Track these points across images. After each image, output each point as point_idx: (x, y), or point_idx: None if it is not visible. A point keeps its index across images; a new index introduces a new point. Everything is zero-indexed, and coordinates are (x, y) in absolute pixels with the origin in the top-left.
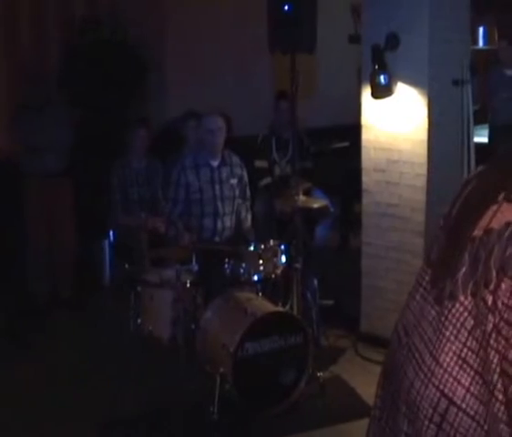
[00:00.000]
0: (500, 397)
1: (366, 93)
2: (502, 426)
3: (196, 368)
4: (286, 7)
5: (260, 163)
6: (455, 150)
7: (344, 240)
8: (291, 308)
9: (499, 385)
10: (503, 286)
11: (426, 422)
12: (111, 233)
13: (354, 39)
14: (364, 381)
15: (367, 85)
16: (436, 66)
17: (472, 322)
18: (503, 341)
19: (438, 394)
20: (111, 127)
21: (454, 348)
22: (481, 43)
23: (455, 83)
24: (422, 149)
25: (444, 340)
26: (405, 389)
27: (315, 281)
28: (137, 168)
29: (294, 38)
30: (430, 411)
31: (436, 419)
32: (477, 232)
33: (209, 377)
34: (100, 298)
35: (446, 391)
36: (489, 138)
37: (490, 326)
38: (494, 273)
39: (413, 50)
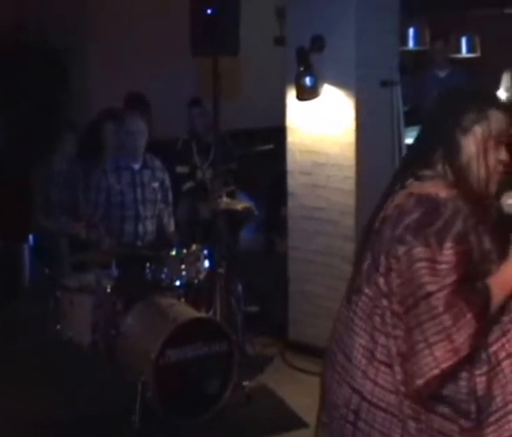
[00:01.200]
0: (402, 389)
1: (291, 95)
2: (409, 421)
3: (117, 375)
4: (209, 11)
5: (181, 168)
6: (385, 152)
7: (270, 244)
8: (215, 314)
9: (400, 376)
10: (393, 267)
11: (342, 422)
12: (31, 237)
13: (280, 41)
14: (293, 391)
15: (292, 87)
16: (364, 67)
17: (375, 311)
18: (398, 326)
19: (350, 391)
20: (34, 130)
21: (362, 341)
22: (411, 44)
23: (384, 84)
24: (350, 152)
25: (353, 336)
26: (326, 393)
27: (240, 287)
28: (58, 171)
29: (217, 41)
30: (344, 410)
31: (351, 418)
32: (376, 224)
33: (130, 384)
34: (20, 302)
35: (357, 386)
36: None
37: (386, 311)
38: (382, 256)
39: (339, 51)
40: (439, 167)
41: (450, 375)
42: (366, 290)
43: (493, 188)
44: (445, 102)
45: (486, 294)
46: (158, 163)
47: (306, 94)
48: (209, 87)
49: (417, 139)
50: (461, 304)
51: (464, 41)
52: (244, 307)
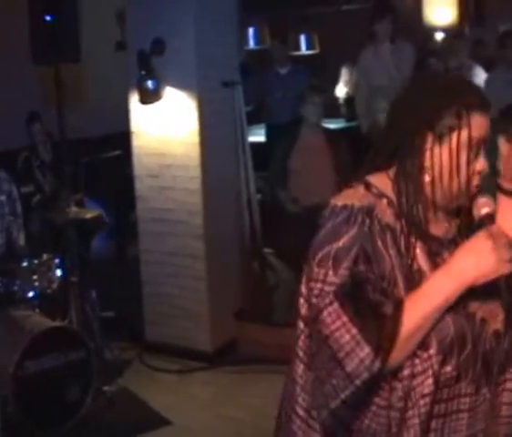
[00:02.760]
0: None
1: (134, 99)
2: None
3: None
4: (48, 18)
5: (25, 188)
6: (229, 151)
7: (122, 250)
8: (71, 322)
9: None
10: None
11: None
12: None
13: (121, 46)
14: (153, 391)
15: (135, 91)
16: (205, 68)
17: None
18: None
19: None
20: None
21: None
22: (252, 43)
23: (225, 84)
24: (194, 152)
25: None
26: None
27: (94, 293)
28: None
29: (57, 49)
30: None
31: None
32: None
33: None
34: None
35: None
36: (266, 137)
37: (303, 311)
38: (304, 274)
39: (180, 54)
40: (391, 173)
41: (356, 405)
42: (302, 312)
43: (462, 202)
44: (417, 97)
45: (395, 315)
46: (3, 175)
47: (149, 97)
48: (54, 96)
49: (380, 137)
50: (348, 324)
51: (303, 38)
52: (100, 313)
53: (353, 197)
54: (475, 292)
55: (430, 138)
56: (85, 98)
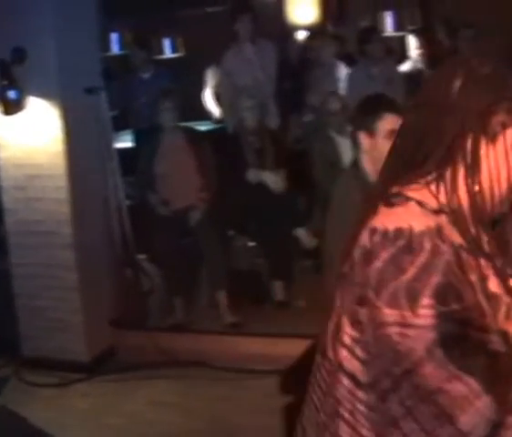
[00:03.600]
0: None
1: None
2: None
3: None
4: None
5: None
6: (96, 158)
7: None
8: None
9: None
10: (356, 337)
11: None
12: None
13: None
14: (34, 407)
15: None
16: (67, 76)
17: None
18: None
19: None
20: None
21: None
22: (116, 48)
23: (89, 91)
24: (60, 160)
25: (311, 406)
26: None
27: None
28: None
29: None
30: None
31: None
32: (346, 267)
33: None
34: None
35: None
36: (134, 142)
37: (348, 365)
38: (344, 318)
39: (41, 62)
40: (432, 187)
41: None
42: (330, 354)
43: (502, 210)
44: (459, 92)
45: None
46: None
47: (12, 108)
48: None
49: (403, 138)
50: (456, 373)
51: (167, 42)
52: None
53: (407, 217)
54: None
55: (483, 139)
56: None
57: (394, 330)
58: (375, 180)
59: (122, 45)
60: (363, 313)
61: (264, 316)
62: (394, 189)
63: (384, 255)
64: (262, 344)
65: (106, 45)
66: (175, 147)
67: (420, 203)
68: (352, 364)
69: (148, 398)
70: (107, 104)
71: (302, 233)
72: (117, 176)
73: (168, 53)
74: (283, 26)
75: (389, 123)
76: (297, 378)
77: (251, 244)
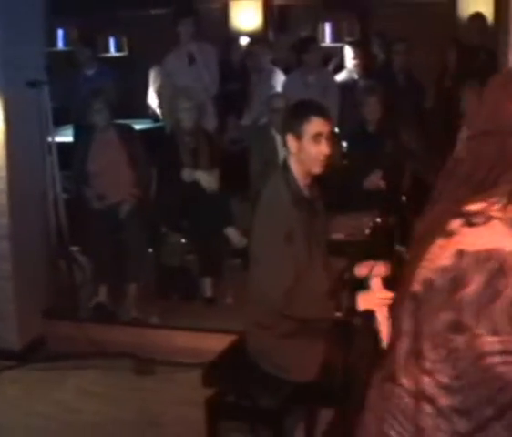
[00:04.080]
0: None
1: None
2: None
3: None
4: None
5: None
6: (36, 151)
7: None
8: None
9: None
10: (446, 362)
11: None
12: None
13: None
14: None
15: None
16: (10, 68)
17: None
18: None
19: None
20: None
21: None
22: (60, 44)
23: (31, 85)
24: (0, 152)
25: None
26: None
27: None
28: None
29: None
30: None
31: None
32: (416, 285)
33: None
34: None
35: None
36: (74, 137)
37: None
38: (427, 344)
39: None
40: (496, 206)
41: None
42: (404, 381)
43: None
44: None
45: None
46: None
47: None
48: None
49: (471, 165)
50: None
51: (112, 41)
52: None
53: (495, 238)
54: None
55: None
56: None
57: (497, 360)
58: (435, 201)
59: (68, 41)
60: (459, 341)
61: (193, 311)
62: (473, 208)
63: (478, 279)
64: (190, 338)
65: (52, 40)
66: (107, 144)
67: (505, 221)
68: (435, 391)
69: (76, 387)
70: (50, 98)
71: (232, 232)
72: (55, 169)
73: (112, 51)
74: (227, 31)
75: (315, 126)
76: (219, 372)
77: (184, 241)
